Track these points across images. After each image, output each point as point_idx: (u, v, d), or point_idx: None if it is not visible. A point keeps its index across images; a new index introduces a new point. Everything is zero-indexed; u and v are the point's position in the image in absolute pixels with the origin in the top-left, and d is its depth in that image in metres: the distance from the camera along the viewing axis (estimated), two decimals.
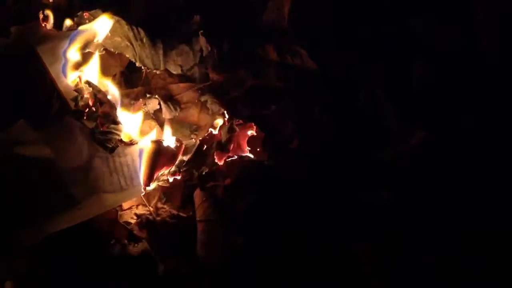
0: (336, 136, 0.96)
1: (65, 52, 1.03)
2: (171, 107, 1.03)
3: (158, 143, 0.97)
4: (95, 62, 1.05)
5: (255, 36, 1.07)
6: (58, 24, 1.09)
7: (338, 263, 0.81)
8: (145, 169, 0.95)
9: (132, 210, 0.91)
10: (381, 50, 0.96)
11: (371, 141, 0.94)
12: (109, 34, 1.04)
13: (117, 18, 1.05)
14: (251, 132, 1.01)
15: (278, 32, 1.05)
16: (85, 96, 1.00)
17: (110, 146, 0.92)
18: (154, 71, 1.03)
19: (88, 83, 1.01)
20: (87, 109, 0.99)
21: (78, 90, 1.00)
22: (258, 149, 1.01)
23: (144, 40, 1.03)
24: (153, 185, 0.95)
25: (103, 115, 0.98)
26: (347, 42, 1.00)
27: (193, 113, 1.04)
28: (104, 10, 1.07)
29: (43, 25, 1.05)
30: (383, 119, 0.94)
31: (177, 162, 0.99)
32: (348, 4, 1.00)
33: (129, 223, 0.88)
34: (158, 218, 0.90)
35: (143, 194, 0.94)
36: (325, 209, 0.89)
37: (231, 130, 0.96)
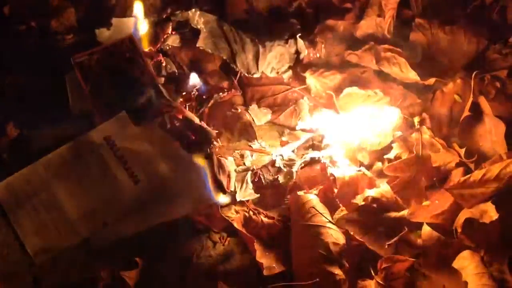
0: None
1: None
2: (263, 111, 1.03)
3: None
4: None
5: (350, 41, 1.07)
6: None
7: None
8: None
9: (231, 206, 0.91)
10: None
11: None
12: (206, 34, 1.05)
13: (214, 17, 1.07)
14: None
15: (374, 39, 1.05)
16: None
17: (207, 152, 0.92)
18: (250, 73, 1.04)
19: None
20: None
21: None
22: None
23: (242, 42, 1.04)
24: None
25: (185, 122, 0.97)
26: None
27: (286, 116, 1.03)
28: (201, 9, 1.08)
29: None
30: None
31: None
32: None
33: (229, 217, 0.88)
34: (254, 217, 0.89)
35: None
36: None
37: None
